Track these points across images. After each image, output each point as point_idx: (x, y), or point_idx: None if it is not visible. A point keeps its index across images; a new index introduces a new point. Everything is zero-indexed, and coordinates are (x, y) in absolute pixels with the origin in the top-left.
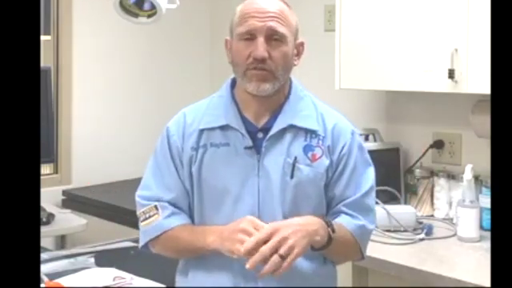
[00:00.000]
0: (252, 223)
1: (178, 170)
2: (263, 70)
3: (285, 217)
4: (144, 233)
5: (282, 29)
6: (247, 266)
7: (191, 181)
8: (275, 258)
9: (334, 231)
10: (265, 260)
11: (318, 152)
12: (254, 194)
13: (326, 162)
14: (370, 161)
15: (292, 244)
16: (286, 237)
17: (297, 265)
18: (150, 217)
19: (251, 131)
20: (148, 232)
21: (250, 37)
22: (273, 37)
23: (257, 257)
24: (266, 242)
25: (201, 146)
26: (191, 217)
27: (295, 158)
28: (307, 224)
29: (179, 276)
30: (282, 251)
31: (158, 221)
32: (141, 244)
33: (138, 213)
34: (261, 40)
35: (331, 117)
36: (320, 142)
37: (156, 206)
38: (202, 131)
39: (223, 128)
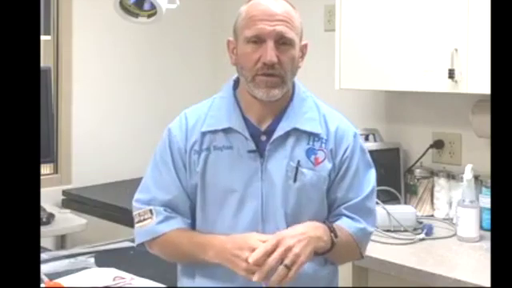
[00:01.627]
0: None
1: (178, 171)
2: (272, 76)
3: (287, 220)
4: (137, 235)
5: (290, 33)
6: (254, 278)
7: (194, 184)
8: (281, 268)
9: (336, 236)
10: (271, 270)
11: (320, 156)
12: (257, 198)
13: (328, 165)
14: (372, 163)
15: (297, 253)
16: (290, 246)
17: None
18: (144, 220)
19: (254, 134)
20: (140, 235)
21: (258, 40)
22: (281, 41)
23: (264, 269)
24: (271, 252)
25: (204, 149)
26: (193, 219)
27: (298, 162)
28: (311, 231)
29: (183, 277)
30: (287, 261)
31: (150, 225)
32: (135, 244)
33: (133, 214)
34: (270, 45)
35: (334, 119)
36: (323, 145)
37: (151, 210)
38: (204, 134)
39: (226, 131)
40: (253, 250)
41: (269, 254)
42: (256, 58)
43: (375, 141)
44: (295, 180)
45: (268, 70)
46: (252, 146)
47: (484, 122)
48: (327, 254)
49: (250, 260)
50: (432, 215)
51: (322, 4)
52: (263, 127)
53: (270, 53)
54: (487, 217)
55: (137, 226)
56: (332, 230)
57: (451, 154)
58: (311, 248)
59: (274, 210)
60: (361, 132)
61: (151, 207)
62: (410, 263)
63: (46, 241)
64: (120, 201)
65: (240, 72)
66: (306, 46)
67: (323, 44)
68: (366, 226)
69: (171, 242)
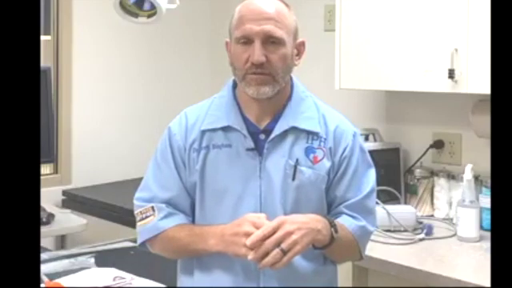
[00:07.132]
0: (254, 224)
1: (178, 169)
2: (262, 74)
3: None
4: (140, 233)
5: (278, 32)
6: (250, 257)
7: (194, 181)
8: (276, 251)
9: (336, 231)
10: (267, 253)
11: (319, 154)
12: (255, 196)
13: (327, 164)
14: (372, 162)
15: (295, 240)
16: (290, 232)
17: (297, 265)
18: (146, 217)
19: (253, 132)
20: (143, 233)
21: (247, 41)
22: (270, 40)
23: (260, 250)
24: (270, 235)
25: (203, 147)
26: (194, 217)
27: (297, 160)
28: (312, 222)
29: (183, 275)
30: (284, 246)
31: (153, 222)
32: (138, 243)
33: (135, 212)
34: (257, 44)
35: (333, 118)
36: (322, 143)
37: (153, 207)
38: (203, 132)
39: (225, 129)
40: (252, 223)
41: (267, 236)
42: (245, 57)
43: (375, 141)
44: (294, 178)
45: (257, 69)
46: (251, 144)
47: (484, 121)
48: (326, 249)
49: (248, 242)
50: (432, 215)
51: (322, 4)
52: (262, 126)
53: (257, 53)
54: (487, 217)
55: (139, 224)
56: (333, 225)
57: (451, 154)
58: (309, 239)
59: (273, 208)
60: (361, 132)
61: (153, 204)
62: (409, 263)
63: (45, 241)
64: (120, 201)
65: (233, 72)
66: (302, 43)
67: (323, 44)
68: (366, 225)
69: (172, 237)
